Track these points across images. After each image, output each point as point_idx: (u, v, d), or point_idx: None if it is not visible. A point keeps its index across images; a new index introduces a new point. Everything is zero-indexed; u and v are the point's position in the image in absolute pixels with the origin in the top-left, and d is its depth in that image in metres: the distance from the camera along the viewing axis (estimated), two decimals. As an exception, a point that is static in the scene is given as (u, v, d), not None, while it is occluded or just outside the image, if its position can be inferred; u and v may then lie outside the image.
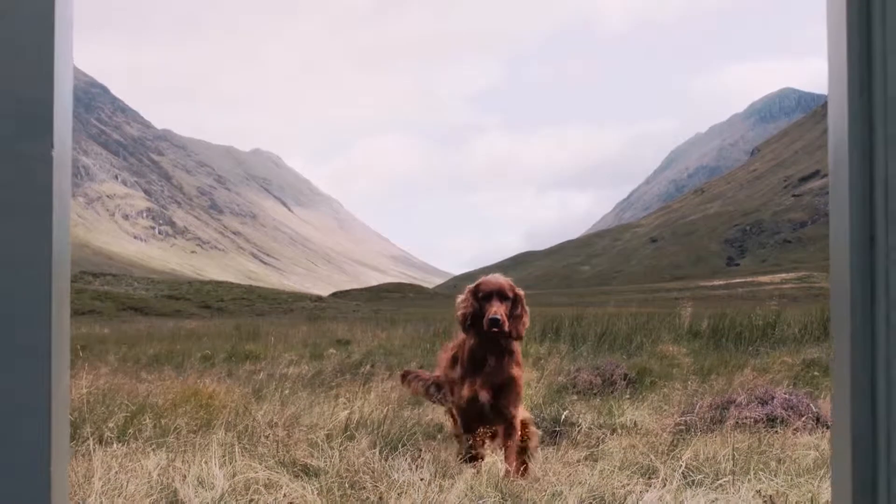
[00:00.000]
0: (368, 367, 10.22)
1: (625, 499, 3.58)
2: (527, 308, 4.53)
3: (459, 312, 4.47)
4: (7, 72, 1.14)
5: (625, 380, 8.37)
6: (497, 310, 4.30)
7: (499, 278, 4.50)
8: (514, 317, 4.42)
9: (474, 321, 4.42)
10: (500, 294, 4.41)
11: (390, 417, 5.44)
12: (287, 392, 7.59)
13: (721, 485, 3.80)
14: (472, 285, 4.53)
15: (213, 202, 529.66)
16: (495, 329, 4.28)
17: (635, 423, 5.95)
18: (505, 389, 4.44)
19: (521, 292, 4.54)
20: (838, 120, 1.30)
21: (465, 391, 4.45)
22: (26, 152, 1.14)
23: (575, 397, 7.52)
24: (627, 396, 7.48)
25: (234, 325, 24.60)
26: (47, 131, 1.15)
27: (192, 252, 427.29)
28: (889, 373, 1.26)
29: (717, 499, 3.55)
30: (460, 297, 4.52)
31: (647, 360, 10.46)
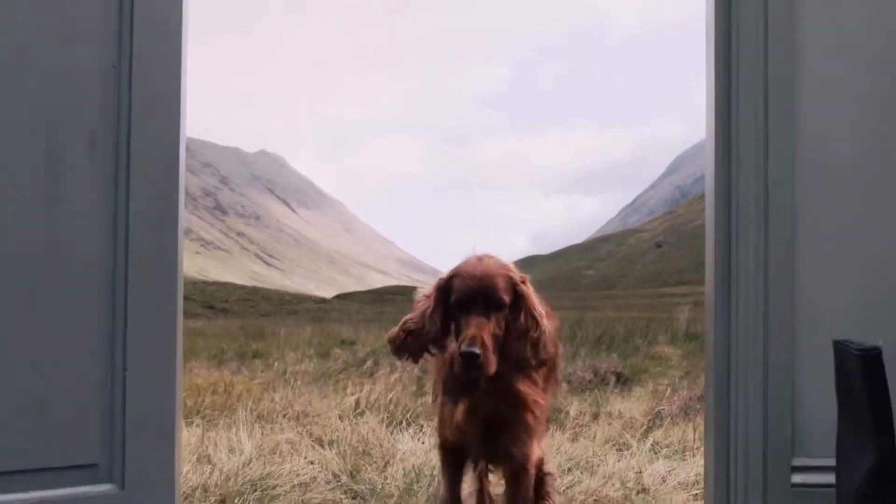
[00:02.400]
0: (372, 362, 10.79)
1: (598, 466, 4.15)
2: (540, 315, 2.55)
3: (401, 332, 2.56)
4: (153, 139, 1.76)
5: (617, 377, 8.94)
6: (476, 334, 2.37)
7: (488, 265, 2.52)
8: (516, 336, 2.49)
9: (442, 341, 2.54)
10: (488, 299, 2.46)
11: (395, 401, 6.04)
12: (298, 383, 8.20)
13: (682, 457, 4.40)
14: (443, 276, 2.60)
15: (217, 203, 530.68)
16: (470, 371, 2.37)
17: (619, 412, 6.52)
18: (507, 422, 2.65)
19: (527, 288, 2.56)
20: (710, 180, 1.94)
21: (445, 430, 2.79)
22: (166, 194, 1.77)
23: (568, 392, 8.06)
24: (617, 391, 8.06)
25: (240, 326, 25.14)
26: (178, 178, 1.79)
27: (197, 253, 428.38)
28: (738, 357, 1.89)
29: (675, 467, 4.13)
30: (420, 297, 2.63)
31: (642, 361, 11.00)
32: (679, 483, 3.81)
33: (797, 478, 1.92)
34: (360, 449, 4.24)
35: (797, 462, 1.93)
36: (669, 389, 7.77)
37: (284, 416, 5.50)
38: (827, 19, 1.92)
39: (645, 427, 5.40)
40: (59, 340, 1.74)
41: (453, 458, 2.83)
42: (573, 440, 5.10)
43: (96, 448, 1.76)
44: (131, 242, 1.75)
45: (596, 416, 6.12)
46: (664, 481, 3.83)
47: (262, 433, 4.74)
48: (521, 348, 2.49)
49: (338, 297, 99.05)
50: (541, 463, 2.93)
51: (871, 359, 1.68)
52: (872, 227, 1.96)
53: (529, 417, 2.64)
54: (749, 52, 1.85)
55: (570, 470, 4.03)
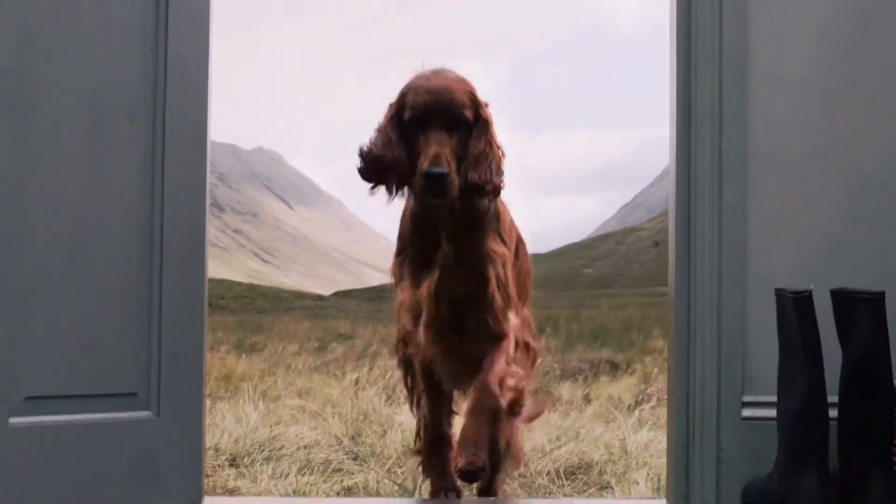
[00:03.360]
0: (373, 348, 11.05)
1: (584, 435, 4.41)
2: (497, 142, 2.28)
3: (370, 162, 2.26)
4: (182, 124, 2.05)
5: (610, 365, 9.24)
6: (439, 152, 2.13)
7: (447, 77, 2.25)
8: (476, 159, 2.21)
9: (401, 171, 2.22)
10: (447, 114, 2.19)
11: (393, 380, 6.30)
12: (299, 368, 8.46)
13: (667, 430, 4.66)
14: (396, 95, 2.30)
15: (214, 200, 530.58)
16: (436, 195, 2.16)
17: (609, 395, 6.79)
18: (480, 290, 2.31)
19: (488, 111, 2.27)
20: (673, 153, 2.25)
21: (409, 315, 2.41)
22: (195, 160, 2.07)
23: (562, 379, 8.33)
24: (609, 377, 8.33)
25: (237, 322, 25.37)
26: (205, 146, 2.08)
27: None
28: (696, 309, 2.19)
29: (658, 436, 4.38)
30: (374, 132, 2.29)
31: (637, 354, 11.28)
32: (661, 449, 4.05)
33: (747, 412, 2.22)
34: (361, 418, 4.50)
35: (747, 398, 2.23)
36: (656, 370, 8.03)
37: (287, 393, 5.77)
38: (778, 7, 2.24)
39: (632, 404, 5.66)
40: (103, 286, 2.03)
41: (432, 366, 2.48)
42: (564, 416, 5.36)
43: (135, 379, 2.07)
44: (166, 201, 2.05)
45: (588, 401, 6.38)
46: (647, 448, 4.08)
47: (267, 408, 5.00)
48: (481, 173, 2.20)
49: (336, 294, 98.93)
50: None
51: (803, 300, 1.96)
52: (812, 193, 2.28)
53: (497, 282, 2.33)
54: (706, 39, 2.15)
55: (557, 438, 4.28)
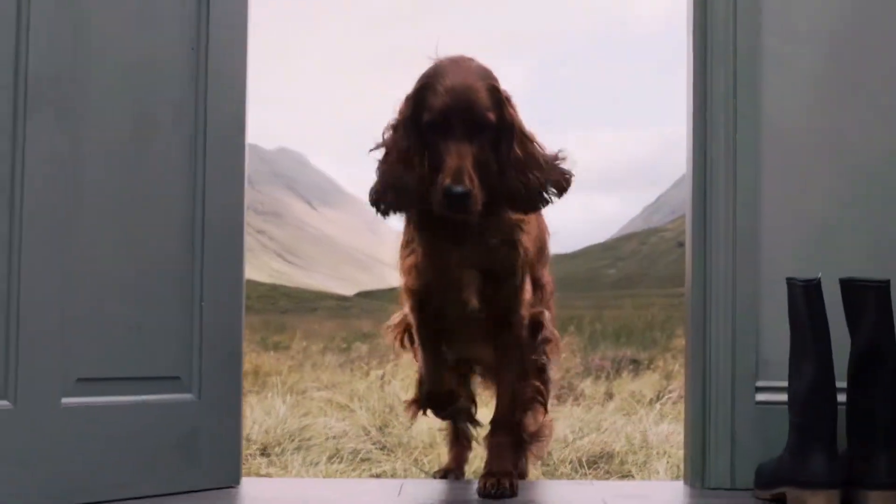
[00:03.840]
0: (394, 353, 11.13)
1: (606, 427, 4.49)
2: (528, 137, 2.11)
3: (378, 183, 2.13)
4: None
5: (632, 363, 9.31)
6: (460, 166, 1.95)
7: (468, 71, 2.06)
8: (515, 169, 2.05)
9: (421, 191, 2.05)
10: (470, 117, 2.00)
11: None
12: (326, 364, 8.58)
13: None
14: (410, 91, 2.10)
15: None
16: (457, 213, 1.97)
17: (631, 392, 6.86)
18: (509, 261, 2.19)
19: (512, 110, 2.09)
20: (689, 149, 2.39)
21: (417, 275, 2.27)
22: (234, 154, 2.22)
23: (584, 376, 8.41)
24: (631, 374, 8.39)
25: (261, 321, 25.50)
26: (243, 140, 2.20)
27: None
28: (712, 297, 2.33)
29: (679, 428, 4.46)
30: (386, 129, 2.15)
31: (660, 352, 11.32)
32: (681, 441, 4.11)
33: (760, 396, 2.33)
34: (387, 410, 4.61)
35: (760, 384, 2.33)
36: (678, 366, 8.07)
37: (314, 387, 5.87)
38: (788, 7, 2.36)
39: (654, 398, 5.73)
40: (150, 275, 2.15)
41: (430, 320, 2.36)
42: (587, 410, 5.44)
43: (179, 363, 2.19)
44: (207, 196, 2.18)
45: (610, 396, 6.45)
46: (667, 439, 4.15)
47: (295, 400, 5.10)
48: (521, 182, 2.04)
49: (359, 294, 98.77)
50: (539, 317, 2.37)
51: (812, 288, 2.05)
52: (822, 186, 2.38)
53: (519, 258, 2.19)
54: (720, 38, 2.27)
55: (579, 429, 4.37)
